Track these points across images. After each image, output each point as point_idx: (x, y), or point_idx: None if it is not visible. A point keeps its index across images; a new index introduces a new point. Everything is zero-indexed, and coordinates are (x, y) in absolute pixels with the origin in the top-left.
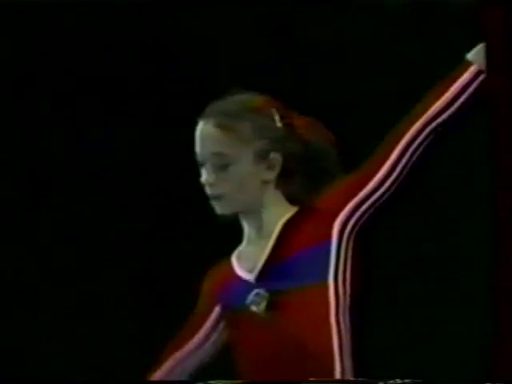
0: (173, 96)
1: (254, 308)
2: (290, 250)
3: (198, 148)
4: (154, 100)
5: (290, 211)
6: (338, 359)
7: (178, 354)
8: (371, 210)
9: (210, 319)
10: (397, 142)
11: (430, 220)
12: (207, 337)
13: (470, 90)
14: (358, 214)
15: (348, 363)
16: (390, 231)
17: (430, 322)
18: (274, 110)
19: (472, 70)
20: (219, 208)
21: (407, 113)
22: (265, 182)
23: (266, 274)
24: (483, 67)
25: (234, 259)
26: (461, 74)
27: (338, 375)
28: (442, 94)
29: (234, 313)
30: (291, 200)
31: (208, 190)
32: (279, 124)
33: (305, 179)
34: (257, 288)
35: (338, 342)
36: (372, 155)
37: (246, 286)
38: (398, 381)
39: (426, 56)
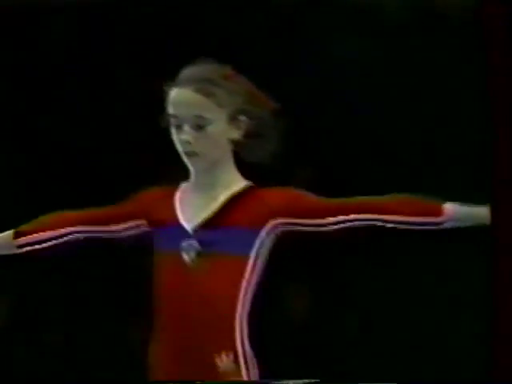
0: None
1: (184, 255)
2: (228, 222)
3: (174, 110)
4: None
5: (240, 182)
6: (237, 321)
7: (81, 226)
8: (300, 235)
9: (128, 223)
10: (351, 211)
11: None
12: (115, 232)
13: (423, 226)
14: (291, 227)
15: (245, 327)
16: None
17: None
18: (242, 78)
19: (439, 219)
20: (193, 164)
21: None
22: (232, 142)
23: (202, 231)
24: (453, 223)
25: (177, 198)
26: (429, 212)
27: (237, 335)
28: (404, 211)
29: (165, 255)
30: (244, 167)
31: (184, 148)
32: (247, 91)
33: (260, 143)
34: (191, 238)
35: (241, 307)
36: (333, 201)
37: (181, 233)
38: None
39: (427, 56)
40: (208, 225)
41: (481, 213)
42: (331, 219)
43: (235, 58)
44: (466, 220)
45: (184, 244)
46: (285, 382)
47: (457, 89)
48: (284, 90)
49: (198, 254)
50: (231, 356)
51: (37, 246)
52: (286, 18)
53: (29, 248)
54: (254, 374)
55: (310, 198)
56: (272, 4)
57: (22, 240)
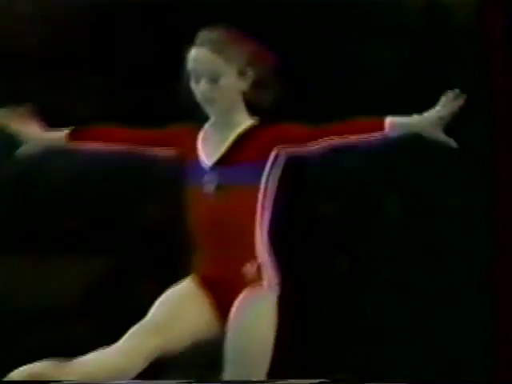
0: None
1: (206, 188)
2: (239, 157)
3: (193, 66)
4: None
5: (248, 121)
6: (257, 238)
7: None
8: (298, 158)
9: (163, 150)
10: (325, 135)
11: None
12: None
13: (367, 141)
14: (289, 153)
15: (264, 242)
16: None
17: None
18: (249, 39)
19: (384, 132)
20: (210, 109)
21: None
22: (240, 91)
23: (218, 166)
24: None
25: (200, 138)
26: (374, 128)
27: (257, 249)
28: (354, 131)
29: (191, 188)
30: (252, 109)
31: (203, 97)
32: (252, 50)
33: (264, 92)
34: (210, 173)
35: (259, 227)
36: (321, 127)
37: (202, 169)
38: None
39: (426, 55)
40: (223, 161)
41: (416, 120)
42: (315, 144)
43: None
44: (405, 129)
45: (205, 178)
46: (292, 381)
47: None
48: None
49: (217, 187)
50: (255, 266)
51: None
52: None
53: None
54: (274, 281)
55: (301, 128)
56: None
57: (73, 144)
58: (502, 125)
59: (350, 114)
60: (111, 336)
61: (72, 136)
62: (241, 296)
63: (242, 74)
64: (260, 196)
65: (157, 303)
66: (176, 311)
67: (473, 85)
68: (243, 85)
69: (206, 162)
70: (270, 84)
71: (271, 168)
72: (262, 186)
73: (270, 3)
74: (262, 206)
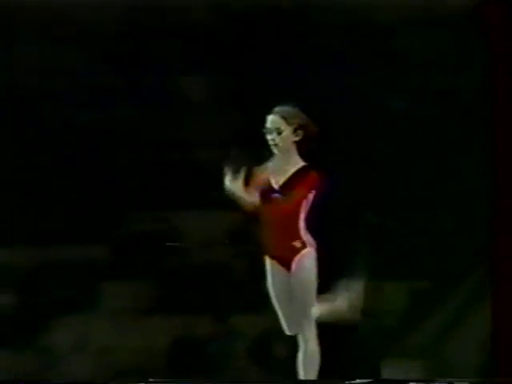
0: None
1: (273, 201)
2: (292, 185)
3: (268, 125)
4: None
5: (299, 162)
6: (301, 225)
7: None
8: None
9: (256, 189)
10: None
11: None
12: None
13: None
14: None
15: (304, 229)
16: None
17: None
18: (301, 114)
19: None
20: (275, 150)
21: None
22: (294, 142)
23: (282, 187)
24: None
25: (269, 170)
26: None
27: (301, 233)
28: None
29: (265, 201)
30: (301, 155)
31: (271, 142)
32: (303, 119)
33: (310, 144)
34: (277, 192)
35: (302, 221)
36: None
37: (273, 190)
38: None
39: (427, 55)
40: (283, 186)
41: None
42: None
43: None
44: None
45: (273, 195)
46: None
47: (458, 86)
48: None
49: (280, 201)
50: (300, 241)
51: None
52: None
53: None
54: (312, 249)
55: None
56: None
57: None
58: (502, 124)
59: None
60: None
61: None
62: (297, 257)
63: (295, 131)
64: (301, 206)
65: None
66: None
67: (473, 85)
68: (295, 138)
69: (274, 185)
70: (313, 140)
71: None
72: (304, 202)
73: None
74: (304, 209)
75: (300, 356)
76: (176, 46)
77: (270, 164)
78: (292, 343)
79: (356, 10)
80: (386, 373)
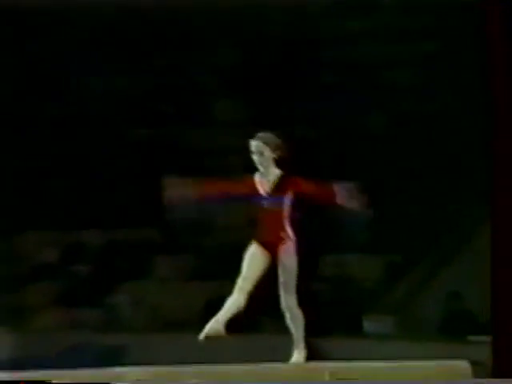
0: None
1: (263, 205)
2: (276, 192)
3: (253, 148)
4: None
5: (277, 172)
6: (286, 223)
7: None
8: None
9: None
10: (322, 197)
11: None
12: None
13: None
14: (299, 195)
15: (288, 225)
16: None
17: None
18: (278, 140)
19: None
20: (259, 167)
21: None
22: (273, 159)
23: (269, 194)
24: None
25: (257, 181)
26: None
27: (286, 228)
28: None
29: (257, 205)
30: (278, 166)
31: (256, 161)
32: (279, 144)
33: (284, 158)
34: (264, 198)
35: (287, 219)
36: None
37: (262, 196)
38: None
39: (427, 55)
40: (270, 193)
41: None
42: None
43: None
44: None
45: (262, 201)
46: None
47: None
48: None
49: (268, 204)
50: (286, 234)
51: None
52: None
53: None
54: (293, 241)
55: (308, 184)
56: None
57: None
58: (502, 124)
59: None
60: None
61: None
62: (283, 245)
63: (274, 151)
64: (285, 209)
65: (246, 259)
66: (253, 261)
67: (473, 85)
68: (274, 155)
69: (263, 193)
70: (286, 156)
71: (289, 199)
72: (286, 205)
73: None
74: (286, 211)
75: (288, 320)
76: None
77: (256, 176)
78: None
79: None
80: (366, 326)
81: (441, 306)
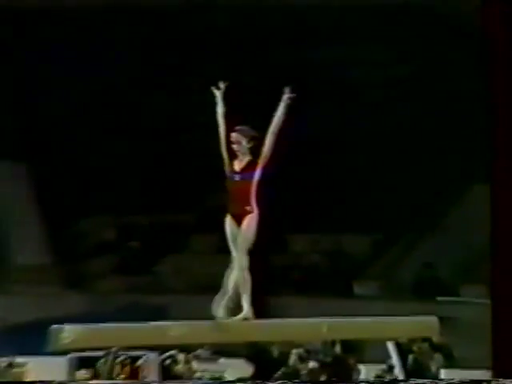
0: None
1: (235, 179)
2: (246, 170)
3: (233, 139)
4: None
5: (251, 157)
6: (252, 198)
7: None
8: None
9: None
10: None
11: None
12: None
13: None
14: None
15: (254, 200)
16: None
17: None
18: (254, 132)
19: None
20: (238, 153)
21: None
22: (248, 148)
23: (240, 171)
24: None
25: (236, 162)
26: None
27: (252, 200)
28: None
29: (231, 179)
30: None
31: (235, 149)
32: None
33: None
34: (237, 173)
35: (253, 191)
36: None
37: (235, 172)
38: None
39: (427, 55)
40: (241, 170)
41: None
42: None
43: None
44: None
45: (235, 176)
46: None
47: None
48: None
49: (239, 178)
50: (250, 207)
51: None
52: None
53: None
54: (256, 211)
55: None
56: None
57: None
58: (502, 125)
59: None
60: None
61: None
62: (247, 217)
63: (249, 142)
64: (254, 181)
65: (227, 233)
66: (231, 235)
67: (473, 84)
68: (250, 144)
69: (237, 170)
70: (258, 145)
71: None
72: (255, 178)
73: None
74: (255, 182)
75: (233, 277)
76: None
77: (236, 160)
78: None
79: None
80: (356, 290)
81: (416, 273)
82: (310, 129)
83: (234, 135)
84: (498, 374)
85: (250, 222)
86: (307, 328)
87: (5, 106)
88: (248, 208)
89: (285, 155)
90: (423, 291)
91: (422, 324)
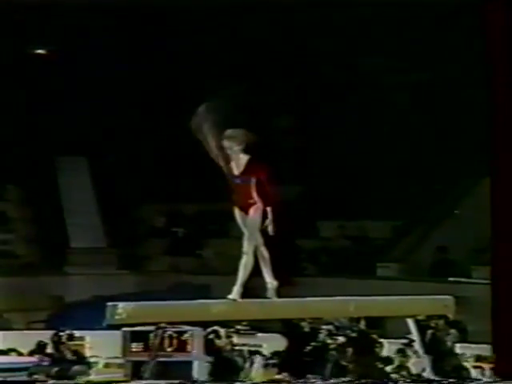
0: None
1: (236, 182)
2: (245, 173)
3: (224, 145)
4: None
5: (244, 157)
6: (254, 194)
7: None
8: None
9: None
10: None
11: None
12: None
13: None
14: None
15: (256, 195)
16: None
17: None
18: (245, 133)
19: None
20: (232, 154)
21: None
22: (241, 148)
23: (240, 174)
24: None
25: (233, 164)
26: None
27: (254, 196)
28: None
29: (232, 182)
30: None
31: (228, 151)
32: (244, 136)
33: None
34: (237, 177)
35: (255, 192)
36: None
37: (235, 176)
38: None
39: (428, 55)
40: (241, 173)
41: None
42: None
43: None
44: None
45: (236, 180)
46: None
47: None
48: None
49: (238, 182)
50: (253, 200)
51: None
52: None
53: None
54: (260, 203)
55: (266, 175)
56: None
57: None
58: (502, 123)
59: None
60: None
61: None
62: (252, 208)
63: (240, 144)
64: (252, 185)
65: (238, 223)
66: (242, 223)
67: (473, 84)
68: (241, 146)
69: (235, 172)
70: (253, 143)
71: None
72: (254, 181)
73: None
74: (254, 185)
75: (243, 261)
76: None
77: (232, 163)
78: None
79: None
80: (378, 271)
81: (432, 256)
82: (338, 125)
83: (224, 142)
84: (497, 350)
85: (256, 210)
86: (336, 306)
87: (67, 106)
88: (251, 201)
89: (310, 149)
90: (438, 272)
91: (439, 303)
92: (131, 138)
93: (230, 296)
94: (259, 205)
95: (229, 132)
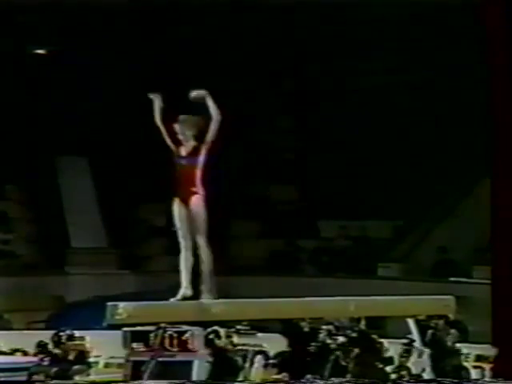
0: None
1: (182, 163)
2: (193, 155)
3: (176, 130)
4: None
5: (193, 142)
6: (198, 181)
7: None
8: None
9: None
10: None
11: None
12: None
13: None
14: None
15: (199, 183)
16: None
17: None
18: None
19: None
20: (183, 140)
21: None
22: (192, 135)
23: (186, 156)
24: None
25: (182, 148)
26: None
27: (197, 182)
28: None
29: (178, 162)
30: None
31: (181, 137)
32: (196, 122)
33: (201, 134)
34: (183, 157)
35: (199, 173)
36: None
37: (182, 156)
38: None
39: (427, 55)
40: (186, 155)
41: None
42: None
43: None
44: None
45: (181, 160)
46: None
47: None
48: None
49: (185, 162)
50: (196, 189)
51: None
52: None
53: None
54: (202, 193)
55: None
56: None
57: None
58: (502, 123)
59: None
60: None
61: None
62: (194, 198)
63: (192, 130)
64: (199, 165)
65: (175, 217)
66: (179, 217)
67: (473, 84)
68: (193, 132)
69: (183, 155)
70: (203, 130)
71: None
72: (200, 163)
73: None
74: (201, 165)
75: (187, 257)
76: None
77: (182, 147)
78: None
79: None
80: (379, 271)
81: (432, 256)
82: (343, 127)
83: (177, 127)
84: (498, 374)
85: (198, 201)
86: (336, 306)
87: (67, 106)
88: (194, 189)
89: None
90: (438, 272)
91: (440, 303)
92: (131, 137)
93: (187, 294)
94: (201, 196)
95: (182, 117)
